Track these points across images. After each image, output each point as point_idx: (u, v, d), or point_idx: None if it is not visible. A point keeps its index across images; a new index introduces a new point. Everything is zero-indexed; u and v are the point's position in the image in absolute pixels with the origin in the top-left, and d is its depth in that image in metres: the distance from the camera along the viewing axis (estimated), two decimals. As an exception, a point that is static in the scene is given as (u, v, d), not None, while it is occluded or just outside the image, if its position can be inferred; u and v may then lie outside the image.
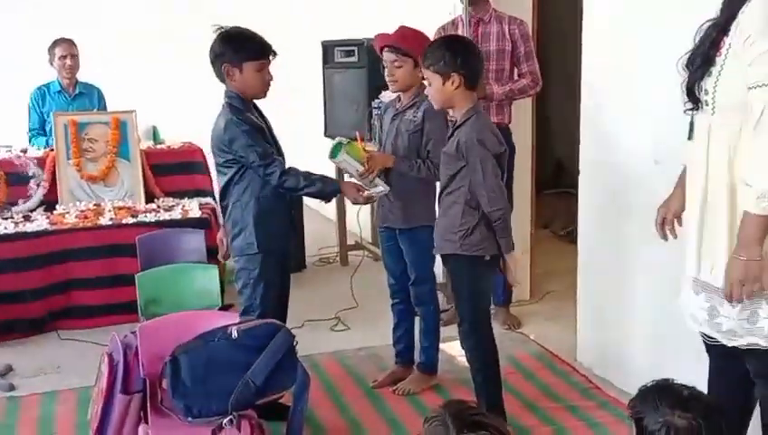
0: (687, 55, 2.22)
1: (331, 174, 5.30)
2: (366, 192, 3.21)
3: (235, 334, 2.61)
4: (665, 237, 2.43)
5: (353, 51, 5.08)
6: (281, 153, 3.15)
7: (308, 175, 3.06)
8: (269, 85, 3.05)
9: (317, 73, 5.40)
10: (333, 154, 3.28)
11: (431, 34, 3.81)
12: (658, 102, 3.07)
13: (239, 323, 2.70)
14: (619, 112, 3.36)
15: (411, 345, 3.62)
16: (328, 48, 5.27)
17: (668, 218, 2.42)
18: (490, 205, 2.82)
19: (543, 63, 4.21)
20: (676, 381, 1.81)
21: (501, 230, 2.87)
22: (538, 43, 4.32)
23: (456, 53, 2.85)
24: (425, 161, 3.28)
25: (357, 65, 5.03)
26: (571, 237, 5.98)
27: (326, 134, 5.36)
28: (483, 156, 2.81)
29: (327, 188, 3.12)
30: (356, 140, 3.31)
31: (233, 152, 2.99)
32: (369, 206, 5.35)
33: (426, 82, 3.52)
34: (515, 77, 4.12)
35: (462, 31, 4.17)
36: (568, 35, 6.38)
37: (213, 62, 3.00)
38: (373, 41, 3.42)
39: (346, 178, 3.57)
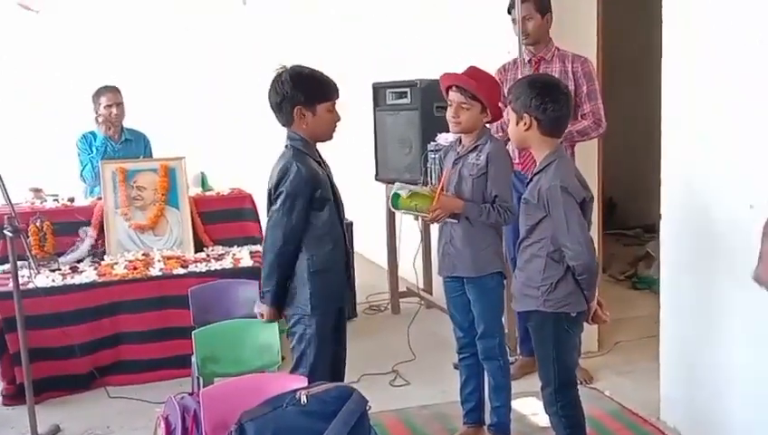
0: None
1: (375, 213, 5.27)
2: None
3: (304, 400, 2.42)
4: None
5: (405, 92, 4.96)
6: (338, 201, 2.97)
7: (271, 273, 2.89)
8: (336, 126, 2.91)
9: (367, 116, 5.26)
10: (394, 204, 3.22)
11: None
12: (758, 141, 2.84)
13: (308, 387, 2.49)
14: (709, 150, 3.13)
15: (481, 404, 3.40)
16: (379, 90, 5.15)
17: None
18: (575, 258, 2.62)
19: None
20: None
21: (587, 285, 2.67)
22: (603, 78, 4.14)
23: (532, 94, 2.68)
24: (493, 206, 3.09)
25: (409, 107, 4.91)
26: (631, 282, 5.78)
27: (377, 178, 5.22)
28: (567, 204, 2.62)
29: (269, 296, 2.94)
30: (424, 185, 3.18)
31: (276, 194, 2.84)
32: (422, 251, 5.23)
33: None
34: (578, 118, 3.93)
35: (521, 71, 4.01)
36: (629, 63, 6.25)
37: (279, 105, 2.84)
38: (439, 80, 3.24)
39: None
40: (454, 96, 3.13)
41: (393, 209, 3.27)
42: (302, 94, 2.81)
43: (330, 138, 2.92)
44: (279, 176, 2.81)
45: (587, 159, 4.15)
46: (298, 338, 2.95)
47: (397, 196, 3.22)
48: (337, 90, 2.89)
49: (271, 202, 2.88)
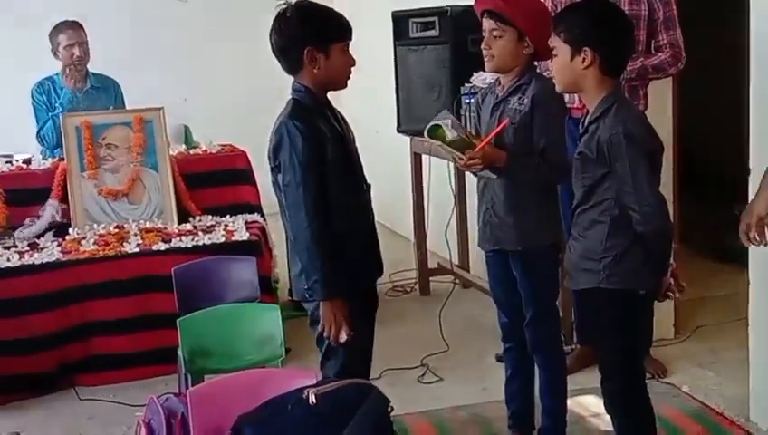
0: None
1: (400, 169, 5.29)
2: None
3: (312, 400, 2.47)
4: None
5: (433, 22, 4.95)
6: (355, 161, 3.01)
7: (321, 260, 2.83)
8: (351, 71, 2.96)
9: (386, 53, 5.27)
10: (430, 133, 3.19)
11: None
12: None
13: (317, 385, 2.54)
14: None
15: (530, 404, 3.44)
16: (400, 20, 5.15)
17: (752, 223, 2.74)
18: (644, 223, 2.64)
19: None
20: None
21: (659, 255, 2.70)
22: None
23: (596, 21, 2.69)
24: (544, 160, 3.10)
25: (438, 41, 4.91)
26: (717, 253, 5.77)
27: (399, 129, 5.24)
28: (633, 156, 2.62)
29: (318, 287, 2.86)
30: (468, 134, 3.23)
31: (276, 161, 2.89)
32: (457, 218, 5.27)
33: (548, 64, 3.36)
34: (652, 50, 3.93)
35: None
36: None
37: (286, 49, 2.89)
38: (474, 4, 3.25)
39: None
40: (486, 23, 3.15)
41: (425, 136, 3.25)
42: (314, 33, 2.86)
43: (344, 85, 2.97)
44: (276, 140, 2.87)
45: (658, 98, 4.15)
46: (322, 325, 3.00)
47: (437, 127, 3.20)
48: (351, 29, 2.94)
49: (273, 168, 2.93)
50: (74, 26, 5.17)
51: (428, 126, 3.22)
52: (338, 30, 2.92)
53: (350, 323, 2.90)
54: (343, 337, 2.86)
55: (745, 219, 2.81)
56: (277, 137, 2.87)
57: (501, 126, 3.13)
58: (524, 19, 3.08)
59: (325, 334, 2.90)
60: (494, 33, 3.11)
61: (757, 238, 2.80)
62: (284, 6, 2.90)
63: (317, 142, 2.85)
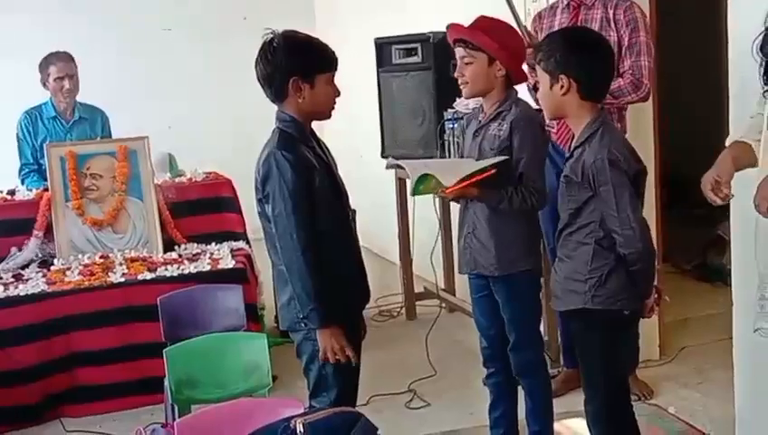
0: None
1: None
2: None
3: (300, 429, 2.45)
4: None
5: (415, 49, 5.00)
6: (341, 189, 3.02)
7: (316, 289, 2.85)
8: (335, 102, 2.98)
9: (369, 79, 5.29)
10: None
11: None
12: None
13: (305, 414, 2.53)
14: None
15: (514, 429, 3.44)
16: (382, 47, 5.18)
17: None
18: (626, 245, 2.68)
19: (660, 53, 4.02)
20: None
21: (641, 279, 2.73)
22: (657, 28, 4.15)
23: (571, 49, 2.74)
24: (517, 189, 3.11)
25: (421, 66, 4.95)
26: (700, 273, 5.79)
27: (383, 155, 5.25)
28: (617, 181, 2.67)
29: (315, 315, 2.88)
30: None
31: (264, 192, 2.90)
32: (442, 242, 5.27)
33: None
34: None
35: (559, 18, 4.03)
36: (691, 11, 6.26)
37: (272, 77, 2.90)
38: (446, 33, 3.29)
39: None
40: (457, 52, 3.21)
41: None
42: (299, 63, 2.87)
43: (328, 116, 2.99)
44: (264, 171, 2.88)
45: (641, 121, 4.18)
46: (308, 358, 3.00)
47: (423, 179, 3.19)
48: (337, 60, 2.95)
49: (261, 199, 2.94)
50: (65, 58, 5.15)
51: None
52: (324, 61, 2.93)
53: (351, 346, 2.92)
54: (351, 357, 2.90)
55: (706, 187, 2.83)
56: (265, 168, 2.88)
57: (485, 175, 3.10)
58: (491, 43, 3.13)
59: (332, 360, 2.90)
60: (465, 60, 3.17)
61: (724, 194, 2.80)
62: (271, 36, 2.91)
63: (305, 172, 2.87)
